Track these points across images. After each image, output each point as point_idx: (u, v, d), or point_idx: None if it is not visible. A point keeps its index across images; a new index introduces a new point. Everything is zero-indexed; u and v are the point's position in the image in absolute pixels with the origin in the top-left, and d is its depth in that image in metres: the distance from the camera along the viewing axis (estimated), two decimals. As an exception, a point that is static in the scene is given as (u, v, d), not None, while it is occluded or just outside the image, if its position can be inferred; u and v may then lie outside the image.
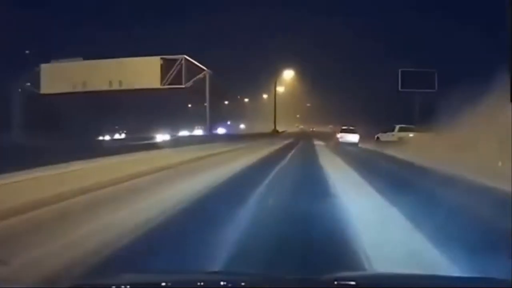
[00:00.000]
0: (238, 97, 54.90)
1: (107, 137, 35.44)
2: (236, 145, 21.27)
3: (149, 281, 2.16)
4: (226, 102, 60.30)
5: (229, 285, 1.99)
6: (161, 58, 29.43)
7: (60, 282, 3.23)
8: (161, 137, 31.95)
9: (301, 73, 43.62)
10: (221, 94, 37.22)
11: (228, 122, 52.29)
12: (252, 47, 42.84)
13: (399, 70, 32.37)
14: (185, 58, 29.49)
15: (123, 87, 29.43)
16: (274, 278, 2.35)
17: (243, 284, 2.01)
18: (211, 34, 40.13)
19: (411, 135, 23.54)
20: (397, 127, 25.31)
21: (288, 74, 44.78)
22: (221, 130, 43.03)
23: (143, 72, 28.82)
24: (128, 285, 1.97)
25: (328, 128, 44.36)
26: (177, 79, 29.46)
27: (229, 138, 31.25)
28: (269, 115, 44.32)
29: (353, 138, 25.84)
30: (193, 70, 29.96)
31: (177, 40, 33.37)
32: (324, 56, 40.56)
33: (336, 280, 2.00)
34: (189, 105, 46.95)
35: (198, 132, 40.18)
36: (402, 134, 24.19)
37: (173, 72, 29.34)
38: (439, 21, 33.97)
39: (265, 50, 41.98)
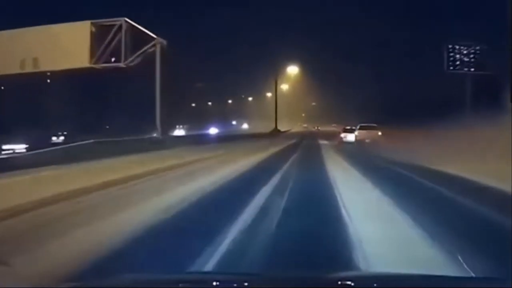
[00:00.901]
0: (242, 96, 55.13)
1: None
2: (210, 153, 16.21)
3: (149, 282, 2.13)
4: (230, 101, 58.83)
5: (231, 285, 2.01)
6: (92, 24, 19.97)
7: (60, 282, 3.17)
8: (19, 146, 22.58)
9: (306, 70, 42.77)
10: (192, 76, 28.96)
11: (234, 122, 53.24)
12: (252, 42, 40.27)
13: (446, 46, 30.04)
14: (126, 22, 19.94)
15: (41, 69, 20.36)
16: (276, 278, 2.32)
17: (245, 284, 2.00)
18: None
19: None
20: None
21: (292, 71, 44.12)
22: (213, 130, 40.56)
23: (66, 44, 19.54)
24: (128, 285, 1.95)
25: (332, 127, 44.18)
26: (115, 54, 19.98)
27: (208, 141, 24.63)
28: (273, 114, 43.09)
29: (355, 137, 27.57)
30: (140, 40, 20.39)
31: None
32: (330, 51, 39.60)
33: (339, 280, 2.06)
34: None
35: (180, 132, 37.46)
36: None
37: (108, 43, 19.85)
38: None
39: (267, 45, 39.94)
